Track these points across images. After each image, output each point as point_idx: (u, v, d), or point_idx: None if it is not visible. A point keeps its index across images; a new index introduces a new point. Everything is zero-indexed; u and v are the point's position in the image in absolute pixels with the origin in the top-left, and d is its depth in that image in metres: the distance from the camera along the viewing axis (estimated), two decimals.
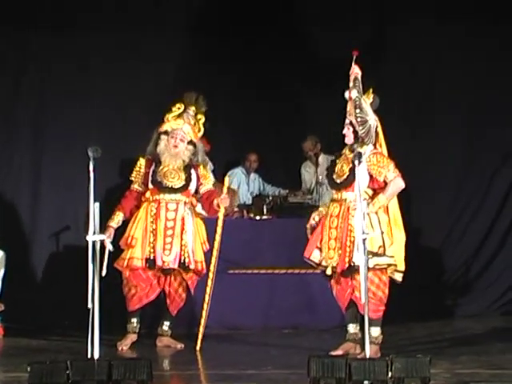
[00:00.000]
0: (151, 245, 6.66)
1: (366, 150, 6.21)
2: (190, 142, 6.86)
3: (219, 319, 7.63)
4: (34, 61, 8.78)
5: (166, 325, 6.88)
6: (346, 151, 6.32)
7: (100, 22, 8.59)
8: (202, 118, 6.97)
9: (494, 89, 8.73)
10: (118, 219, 6.75)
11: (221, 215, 6.71)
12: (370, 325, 5.71)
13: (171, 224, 6.70)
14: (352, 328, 6.34)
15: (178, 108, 6.92)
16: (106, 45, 8.68)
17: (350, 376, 4.91)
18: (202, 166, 6.94)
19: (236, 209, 8.14)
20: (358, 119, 6.20)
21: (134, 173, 6.90)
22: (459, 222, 8.87)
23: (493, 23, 8.56)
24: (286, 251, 7.67)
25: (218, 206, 6.69)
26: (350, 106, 6.28)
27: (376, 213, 6.11)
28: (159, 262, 6.65)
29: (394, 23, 8.76)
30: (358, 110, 6.19)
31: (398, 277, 6.21)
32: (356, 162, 5.47)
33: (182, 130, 6.83)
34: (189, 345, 6.73)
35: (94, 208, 5.19)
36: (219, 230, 6.69)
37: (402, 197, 6.29)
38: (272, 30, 8.80)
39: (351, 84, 6.25)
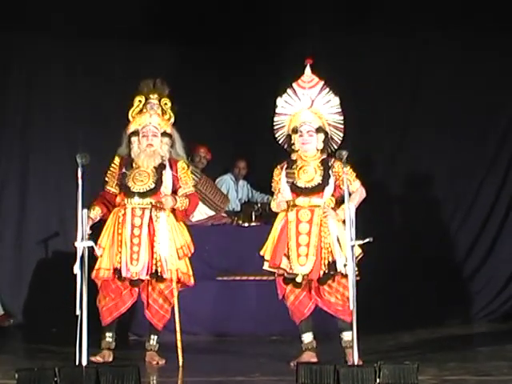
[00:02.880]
0: (119, 254, 6.07)
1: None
2: (164, 134, 6.23)
3: (207, 326, 7.64)
4: (20, 62, 8.76)
5: (152, 339, 6.30)
6: (307, 157, 6.04)
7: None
8: (167, 103, 6.33)
9: (480, 98, 8.76)
10: (95, 212, 6.11)
11: None
12: (347, 329, 5.72)
13: (138, 232, 6.08)
14: (308, 337, 6.13)
15: (140, 101, 6.31)
16: (90, 49, 8.66)
17: (338, 383, 4.94)
18: (182, 163, 6.32)
19: (224, 215, 8.14)
20: (340, 126, 6.08)
21: (109, 172, 6.26)
22: (447, 230, 8.90)
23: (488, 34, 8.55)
24: None
25: None
26: (315, 113, 6.05)
27: (338, 221, 5.97)
28: (124, 273, 6.03)
29: (378, 34, 8.74)
30: (342, 117, 6.08)
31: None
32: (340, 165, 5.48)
33: (151, 124, 6.21)
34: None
35: (83, 214, 5.19)
36: None
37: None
38: (260, 31, 8.75)
39: (323, 91, 6.06)
